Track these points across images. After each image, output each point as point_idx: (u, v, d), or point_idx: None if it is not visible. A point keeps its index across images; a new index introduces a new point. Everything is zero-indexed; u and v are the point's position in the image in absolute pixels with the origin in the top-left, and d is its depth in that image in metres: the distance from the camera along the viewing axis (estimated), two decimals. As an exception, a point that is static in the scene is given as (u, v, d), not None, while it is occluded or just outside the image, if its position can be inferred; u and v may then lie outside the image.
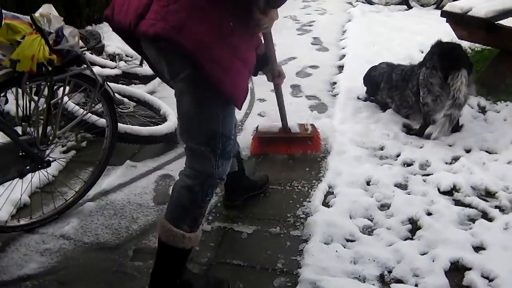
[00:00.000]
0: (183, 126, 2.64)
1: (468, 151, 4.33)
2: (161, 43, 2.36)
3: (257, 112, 5.19)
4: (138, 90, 5.05)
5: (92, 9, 7.55)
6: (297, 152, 4.34)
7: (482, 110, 5.04)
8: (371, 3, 9.88)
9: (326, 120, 4.86)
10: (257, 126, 4.47)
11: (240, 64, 2.43)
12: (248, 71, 2.52)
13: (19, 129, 3.09)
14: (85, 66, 3.12)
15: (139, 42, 2.62)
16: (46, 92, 3.04)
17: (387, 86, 4.93)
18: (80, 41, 2.98)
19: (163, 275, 2.72)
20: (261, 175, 3.93)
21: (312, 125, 4.43)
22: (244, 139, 4.50)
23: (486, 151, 4.32)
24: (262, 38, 3.08)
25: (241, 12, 2.36)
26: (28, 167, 3.14)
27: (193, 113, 2.51)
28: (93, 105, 3.51)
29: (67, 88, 3.22)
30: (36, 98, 3.05)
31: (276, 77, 3.61)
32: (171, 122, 4.48)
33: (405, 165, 4.14)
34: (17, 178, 3.13)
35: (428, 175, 3.98)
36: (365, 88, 5.32)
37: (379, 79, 5.02)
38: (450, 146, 4.38)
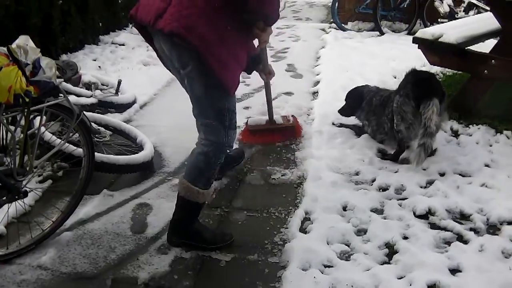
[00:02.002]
0: (196, 107, 3.39)
1: (442, 174, 4.38)
2: (174, 38, 3.03)
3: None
4: (114, 119, 5.06)
5: (67, 37, 7.55)
6: (282, 140, 5.07)
7: (455, 133, 5.12)
8: (344, 30, 9.98)
9: (301, 145, 4.93)
10: (247, 120, 5.13)
11: (234, 61, 3.16)
12: (240, 67, 3.25)
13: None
14: (62, 96, 3.13)
15: (151, 38, 3.35)
16: (22, 122, 3.05)
17: (366, 108, 4.99)
18: (57, 72, 3.00)
19: (180, 223, 3.49)
20: (237, 150, 4.62)
21: (293, 116, 5.21)
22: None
23: (460, 174, 4.38)
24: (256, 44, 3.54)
25: (237, 22, 3.09)
26: (4, 198, 3.13)
27: (204, 96, 3.25)
28: (70, 135, 3.51)
29: (44, 118, 3.22)
30: (12, 128, 3.06)
31: (267, 74, 4.46)
32: (148, 151, 4.50)
33: (381, 190, 4.18)
34: (-7, 209, 3.11)
35: (403, 199, 4.02)
36: (337, 115, 5.38)
37: (364, 97, 5.07)
38: (424, 170, 4.43)
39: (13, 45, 2.93)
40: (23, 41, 2.99)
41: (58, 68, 3.09)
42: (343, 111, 5.28)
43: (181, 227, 3.49)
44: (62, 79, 3.16)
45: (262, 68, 4.50)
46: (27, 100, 2.83)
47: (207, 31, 3.00)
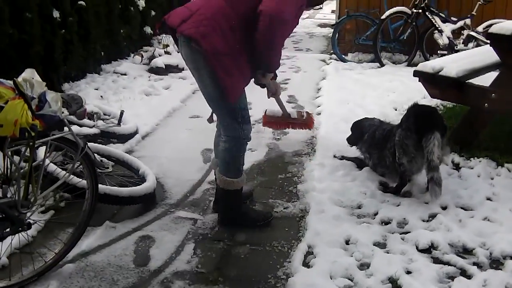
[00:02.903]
0: (210, 106, 4.03)
1: (444, 208, 4.37)
2: (191, 42, 3.65)
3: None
4: (116, 149, 5.08)
5: (69, 66, 7.58)
6: (295, 128, 5.56)
7: (456, 166, 5.13)
8: (344, 61, 10.05)
9: (303, 178, 4.95)
10: (265, 110, 5.48)
11: (238, 72, 3.73)
12: (243, 79, 3.83)
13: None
14: (67, 130, 3.15)
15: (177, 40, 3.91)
16: (27, 154, 3.06)
17: (369, 141, 5.01)
18: (62, 105, 3.02)
19: (227, 209, 4.17)
20: (246, 190, 4.57)
21: (307, 112, 5.57)
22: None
23: (462, 208, 4.37)
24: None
25: (245, 43, 3.68)
26: (8, 230, 3.13)
27: (213, 96, 3.87)
28: (75, 167, 3.51)
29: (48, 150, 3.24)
30: (17, 159, 3.07)
31: (273, 93, 4.71)
32: (150, 183, 4.50)
33: (383, 224, 4.17)
34: (-4, 241, 3.11)
35: (406, 233, 4.01)
36: (339, 147, 5.40)
37: (367, 130, 5.09)
38: (426, 203, 4.42)
39: (19, 79, 2.96)
40: (29, 75, 3.02)
41: (63, 101, 3.09)
42: (350, 140, 5.35)
43: (229, 212, 4.16)
44: (68, 113, 3.16)
45: (269, 88, 4.63)
46: (32, 134, 2.85)
47: (218, 42, 3.61)
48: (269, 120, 5.54)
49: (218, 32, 3.62)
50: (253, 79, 4.12)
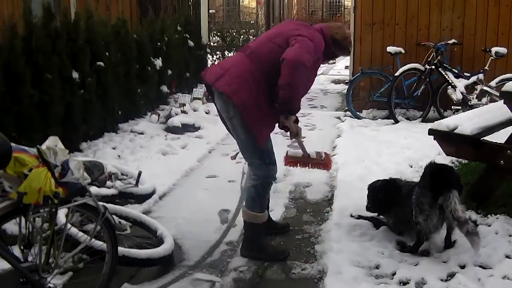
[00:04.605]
0: (241, 149, 4.65)
1: (462, 267, 4.34)
2: (224, 97, 4.37)
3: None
4: (134, 210, 5.11)
5: (87, 125, 7.71)
6: (314, 168, 5.53)
7: (474, 224, 5.09)
8: (359, 118, 10.12)
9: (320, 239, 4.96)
10: (287, 151, 5.51)
11: (264, 121, 4.43)
12: (269, 125, 4.52)
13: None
14: (89, 196, 3.21)
15: (213, 94, 4.55)
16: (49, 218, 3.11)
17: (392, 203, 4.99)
18: (84, 172, 3.09)
19: (248, 241, 4.65)
20: (284, 222, 5.38)
21: (325, 153, 5.60)
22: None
23: (481, 266, 4.33)
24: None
25: (268, 94, 4.35)
26: (29, 295, 3.16)
27: (245, 141, 4.51)
28: (95, 232, 3.56)
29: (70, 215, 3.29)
30: (38, 225, 3.12)
31: (295, 135, 4.86)
32: (168, 245, 4.51)
33: (402, 284, 4.15)
34: (16, 306, 3.13)
35: (425, 293, 3.99)
36: (356, 206, 5.42)
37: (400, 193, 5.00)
38: (444, 262, 4.40)
39: (43, 147, 3.03)
40: (53, 143, 3.10)
41: (85, 168, 3.17)
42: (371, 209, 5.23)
43: (250, 244, 4.63)
44: (89, 180, 3.22)
45: (291, 132, 4.85)
46: (55, 201, 2.91)
47: (247, 97, 4.30)
48: (291, 160, 5.66)
49: (246, 88, 4.31)
50: (277, 124, 4.67)
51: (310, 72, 4.47)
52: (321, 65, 4.80)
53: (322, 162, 5.53)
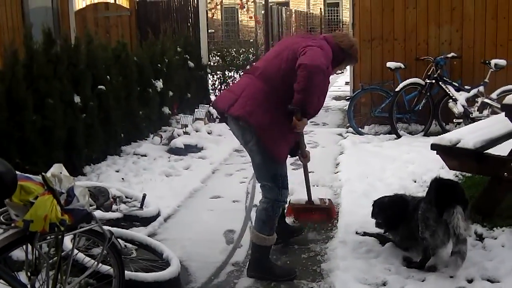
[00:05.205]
0: (257, 172, 4.69)
1: (470, 281, 4.33)
2: (240, 121, 4.44)
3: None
4: (139, 234, 5.11)
5: (90, 149, 7.73)
6: (318, 221, 5.70)
7: (480, 237, 5.09)
8: (361, 134, 10.12)
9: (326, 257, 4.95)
10: (290, 200, 5.58)
11: (283, 140, 4.51)
12: (287, 144, 4.63)
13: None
14: (95, 222, 3.22)
15: (227, 120, 4.62)
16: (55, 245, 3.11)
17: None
18: (90, 199, 3.09)
19: (255, 261, 4.63)
20: (298, 226, 5.57)
21: (329, 199, 5.84)
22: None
23: (488, 280, 4.33)
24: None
25: (286, 114, 4.40)
26: (36, 322, 3.15)
27: (262, 165, 4.55)
28: (102, 257, 3.56)
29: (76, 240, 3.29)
30: (45, 251, 3.12)
31: (304, 157, 5.35)
32: (175, 267, 4.51)
33: (409, 300, 4.15)
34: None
35: (433, 309, 3.98)
36: (361, 223, 5.41)
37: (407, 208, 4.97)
38: (451, 277, 4.39)
39: (48, 174, 3.04)
40: (57, 170, 3.11)
41: (90, 194, 3.18)
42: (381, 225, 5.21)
43: (256, 265, 4.62)
44: (95, 206, 3.24)
45: (301, 152, 5.34)
46: (62, 228, 2.91)
47: (263, 118, 4.35)
48: (293, 207, 5.83)
49: (261, 108, 4.37)
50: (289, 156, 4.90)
51: (325, 76, 4.48)
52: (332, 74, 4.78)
53: (326, 207, 5.83)
